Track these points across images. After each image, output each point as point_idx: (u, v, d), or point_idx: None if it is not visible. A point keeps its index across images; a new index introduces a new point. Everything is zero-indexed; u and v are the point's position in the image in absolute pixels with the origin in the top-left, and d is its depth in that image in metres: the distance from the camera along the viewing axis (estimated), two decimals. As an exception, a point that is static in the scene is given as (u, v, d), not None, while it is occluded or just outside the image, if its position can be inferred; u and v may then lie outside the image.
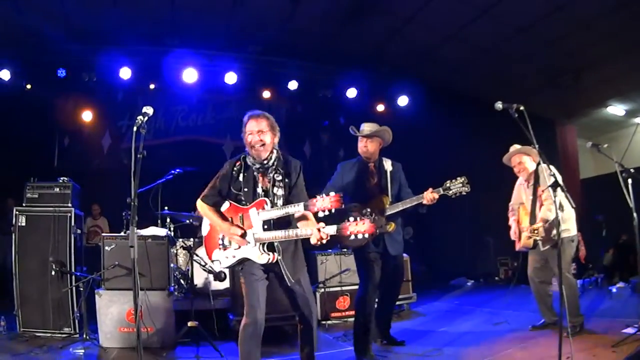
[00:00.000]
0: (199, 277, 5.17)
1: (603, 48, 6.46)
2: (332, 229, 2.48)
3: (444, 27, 6.53)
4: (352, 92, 8.03)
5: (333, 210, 2.48)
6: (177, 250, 5.42)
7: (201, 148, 8.15)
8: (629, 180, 3.63)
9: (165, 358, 3.74)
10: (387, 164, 3.85)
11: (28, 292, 4.15)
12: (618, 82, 7.54)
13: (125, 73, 6.97)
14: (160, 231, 4.76)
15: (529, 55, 6.91)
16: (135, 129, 2.56)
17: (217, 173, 2.86)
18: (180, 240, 5.49)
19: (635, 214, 3.53)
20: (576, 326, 3.84)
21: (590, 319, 4.22)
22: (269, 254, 2.65)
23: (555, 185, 2.90)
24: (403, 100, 8.31)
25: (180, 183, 5.03)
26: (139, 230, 4.21)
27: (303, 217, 2.69)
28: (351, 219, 2.46)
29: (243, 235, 2.67)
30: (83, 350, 3.75)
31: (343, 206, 2.50)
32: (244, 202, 2.75)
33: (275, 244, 2.69)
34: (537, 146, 2.93)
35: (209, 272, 4.84)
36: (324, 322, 4.83)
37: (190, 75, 7.17)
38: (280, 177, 2.78)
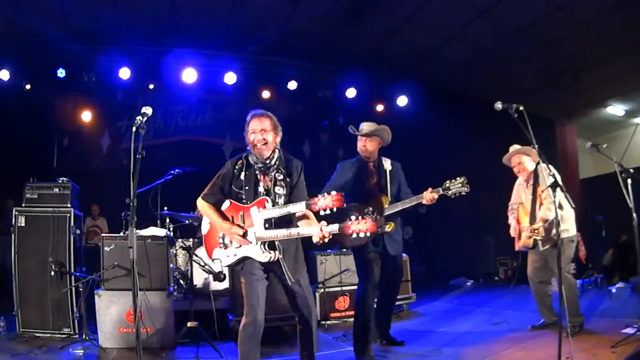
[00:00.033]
0: (199, 278, 5.17)
1: (603, 48, 6.46)
2: (334, 228, 2.49)
3: (444, 27, 6.53)
4: (351, 92, 8.03)
5: (334, 209, 2.49)
6: (176, 250, 5.42)
7: (201, 148, 8.15)
8: (629, 181, 3.63)
9: (165, 358, 3.74)
10: (387, 164, 3.85)
11: (27, 293, 4.14)
12: (618, 82, 7.54)
13: (124, 73, 6.97)
14: (160, 231, 4.76)
15: (529, 55, 6.91)
16: (134, 129, 2.56)
17: (218, 171, 2.87)
18: (180, 240, 5.49)
19: (634, 214, 3.53)
20: (576, 326, 3.84)
21: (589, 319, 4.22)
22: (270, 253, 2.66)
23: (554, 186, 2.90)
24: (402, 100, 8.31)
25: (180, 183, 5.03)
26: (138, 231, 4.20)
27: (304, 217, 2.70)
28: (353, 217, 2.48)
29: (244, 235, 2.67)
30: (82, 351, 3.75)
31: (345, 205, 2.51)
32: (244, 201, 2.75)
33: (276, 242, 2.69)
34: (536, 146, 2.93)
35: (209, 272, 4.84)
36: (323, 323, 4.82)
37: (189, 76, 7.17)
38: (281, 177, 2.78)
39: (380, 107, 8.52)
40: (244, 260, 2.71)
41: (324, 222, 2.53)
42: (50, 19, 6.00)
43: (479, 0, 5.77)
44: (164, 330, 3.96)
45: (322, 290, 4.95)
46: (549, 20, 5.92)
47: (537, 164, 4.08)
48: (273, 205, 2.68)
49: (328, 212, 2.51)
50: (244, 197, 2.76)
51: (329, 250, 5.20)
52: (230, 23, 6.60)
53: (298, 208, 2.60)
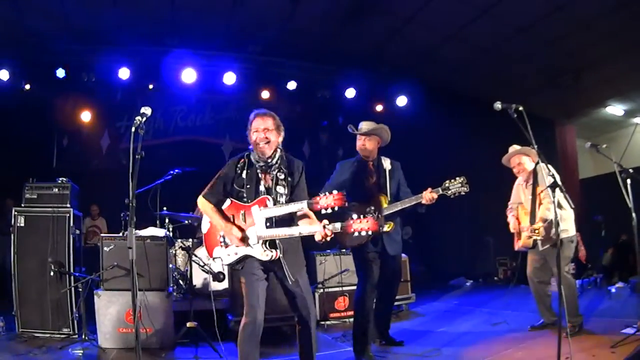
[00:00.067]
0: (198, 278, 5.17)
1: (603, 48, 6.45)
2: (336, 226, 2.50)
3: (444, 27, 6.53)
4: (351, 92, 8.03)
5: (336, 208, 2.51)
6: (175, 250, 5.41)
7: (200, 148, 8.16)
8: (628, 181, 3.63)
9: (164, 358, 3.74)
10: (386, 163, 3.85)
11: (27, 293, 4.14)
12: (618, 82, 7.54)
13: (124, 73, 6.97)
14: (159, 232, 4.76)
15: (529, 55, 6.91)
16: (133, 129, 2.56)
17: (220, 170, 2.87)
18: (179, 240, 5.49)
19: (634, 214, 3.53)
20: (575, 326, 3.84)
21: (589, 319, 4.22)
22: (271, 251, 2.66)
23: (554, 186, 2.89)
24: (402, 101, 8.31)
25: (179, 183, 5.02)
26: (137, 231, 4.21)
27: (305, 216, 2.71)
28: (354, 216, 2.50)
29: (242, 239, 2.67)
30: (82, 351, 3.74)
31: (347, 204, 2.53)
32: (245, 200, 2.75)
33: (277, 241, 2.70)
34: (536, 146, 2.93)
35: (208, 272, 4.84)
36: (322, 323, 4.82)
37: (189, 76, 7.17)
38: (283, 176, 2.80)
39: (379, 107, 8.51)
40: (245, 259, 2.71)
41: (325, 221, 2.54)
42: (50, 19, 6.00)
43: (479, 0, 5.77)
44: (164, 331, 3.96)
45: (321, 290, 4.95)
46: (549, 20, 5.92)
47: (536, 163, 4.08)
48: (274, 204, 2.69)
49: (329, 211, 2.52)
50: (245, 195, 2.76)
51: (329, 251, 5.20)
52: (230, 23, 6.60)
53: (300, 207, 2.61)
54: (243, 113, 8.31)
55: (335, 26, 6.62)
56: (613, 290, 5.90)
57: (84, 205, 5.20)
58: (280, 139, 2.83)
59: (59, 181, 4.43)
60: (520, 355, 3.49)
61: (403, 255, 4.57)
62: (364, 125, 3.82)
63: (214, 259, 2.84)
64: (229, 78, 7.39)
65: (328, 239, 2.53)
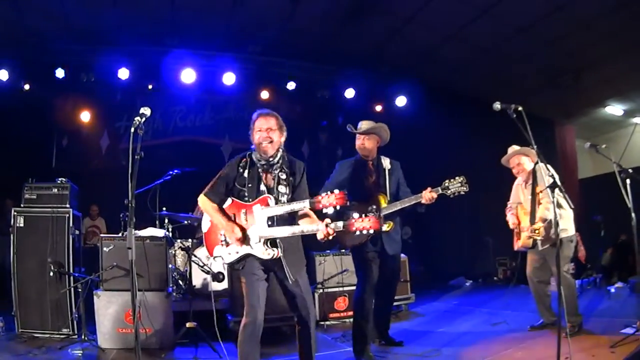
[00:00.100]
0: (197, 278, 5.17)
1: (603, 48, 6.46)
2: (339, 225, 2.51)
3: (444, 27, 6.53)
4: (351, 92, 8.03)
5: (338, 207, 2.52)
6: (175, 251, 5.41)
7: (199, 148, 8.14)
8: (627, 181, 3.64)
9: (164, 359, 3.74)
10: (386, 162, 3.85)
11: (26, 293, 4.13)
12: (618, 82, 7.54)
13: (123, 73, 6.97)
14: (159, 232, 4.75)
15: (529, 55, 6.91)
16: (132, 130, 2.55)
17: (222, 169, 2.87)
18: (179, 241, 5.48)
19: (633, 214, 3.53)
20: (575, 326, 3.84)
21: (588, 319, 4.22)
22: (273, 250, 2.66)
23: (553, 186, 2.90)
24: (402, 101, 8.31)
25: (179, 184, 5.02)
26: (137, 231, 4.21)
27: (306, 216, 2.73)
28: (356, 215, 2.51)
29: (242, 239, 2.66)
30: (82, 351, 3.74)
31: (348, 203, 2.55)
32: (246, 199, 2.75)
33: (278, 241, 2.70)
34: (535, 146, 2.93)
35: (207, 272, 4.84)
36: (322, 323, 4.82)
37: (188, 76, 7.17)
38: (284, 176, 2.81)
39: (379, 107, 8.51)
40: (246, 258, 2.71)
41: (328, 220, 2.55)
42: (50, 19, 6.00)
43: (479, 0, 5.77)
44: (163, 331, 3.96)
45: (321, 290, 4.95)
46: (549, 20, 5.92)
47: (536, 164, 4.08)
48: (276, 203, 2.69)
49: (331, 210, 2.54)
50: (246, 194, 2.76)
51: (328, 251, 5.20)
52: (230, 23, 6.59)
53: (302, 206, 2.62)
54: (242, 113, 8.32)
55: (335, 26, 6.62)
56: (612, 290, 5.90)
57: (84, 206, 5.20)
58: (283, 139, 2.84)
59: (59, 181, 4.43)
60: (520, 355, 3.49)
61: (402, 255, 4.57)
62: (363, 125, 3.82)
63: (214, 258, 2.83)
64: (229, 78, 7.38)
65: (330, 237, 2.54)
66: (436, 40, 6.89)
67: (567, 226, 3.98)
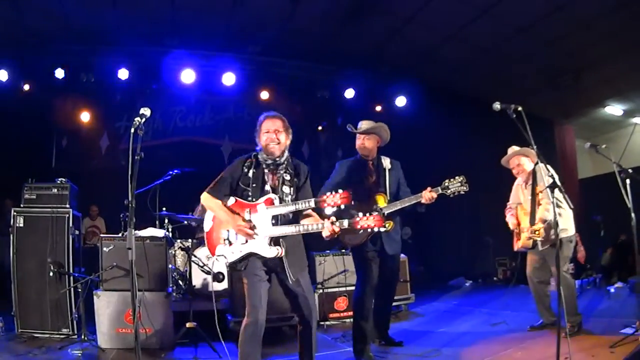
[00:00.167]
0: (197, 278, 5.17)
1: (603, 48, 6.46)
2: (344, 223, 2.54)
3: (444, 27, 6.53)
4: (350, 93, 8.02)
5: (342, 207, 2.56)
6: (175, 251, 5.41)
7: (199, 149, 8.14)
8: (627, 181, 3.64)
9: (164, 359, 3.74)
10: (386, 162, 3.85)
11: (26, 293, 4.13)
12: (617, 82, 7.55)
13: (123, 74, 6.96)
14: (159, 232, 4.75)
15: (529, 55, 6.91)
16: (132, 130, 2.55)
17: (226, 169, 2.88)
18: (179, 241, 5.49)
19: (633, 214, 3.53)
20: (574, 326, 3.85)
21: (588, 319, 4.22)
22: (277, 248, 2.67)
23: (553, 186, 2.90)
24: (401, 101, 8.31)
25: (178, 184, 5.02)
26: (137, 232, 4.21)
27: (308, 217, 2.76)
28: (360, 213, 2.54)
29: (252, 228, 2.67)
30: (81, 351, 3.74)
31: (353, 203, 2.59)
32: (250, 198, 2.76)
33: (281, 240, 2.71)
34: (535, 147, 2.93)
35: (207, 273, 4.84)
36: (322, 323, 4.82)
37: (188, 76, 7.16)
38: (289, 177, 2.83)
39: (379, 107, 8.51)
40: (248, 257, 2.71)
41: (333, 218, 2.58)
42: (50, 19, 6.00)
43: (479, 0, 5.77)
44: (163, 331, 3.96)
45: (321, 290, 4.95)
46: (549, 20, 5.92)
47: (536, 164, 4.09)
48: (280, 203, 2.71)
49: (334, 209, 2.58)
50: (250, 194, 2.77)
51: (328, 251, 5.20)
52: (230, 23, 6.59)
53: (307, 205, 2.65)
54: (242, 113, 8.31)
55: (335, 26, 6.62)
56: (612, 290, 5.91)
57: (83, 206, 5.19)
58: (289, 141, 2.87)
59: (58, 181, 4.43)
60: (520, 355, 3.49)
61: (402, 255, 4.57)
62: (363, 124, 3.83)
63: (216, 257, 2.82)
64: (229, 78, 7.38)
65: (336, 235, 2.58)
66: (436, 40, 6.88)
67: (567, 226, 3.98)
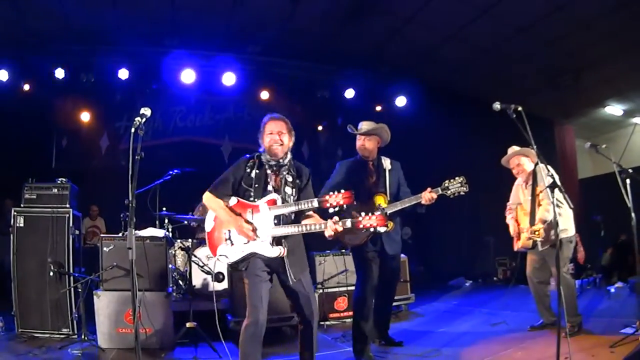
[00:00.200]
0: (197, 278, 5.17)
1: (603, 48, 6.46)
2: (347, 223, 2.55)
3: (444, 27, 6.52)
4: (350, 93, 8.02)
5: (344, 207, 2.57)
6: (175, 251, 5.41)
7: (199, 149, 8.14)
8: (627, 181, 3.64)
9: (164, 359, 3.74)
10: (386, 163, 3.86)
11: (26, 293, 4.13)
12: (617, 82, 7.55)
13: (123, 74, 6.96)
14: (159, 232, 4.75)
15: (529, 55, 6.91)
16: (132, 130, 2.56)
17: (228, 169, 2.89)
18: (179, 241, 5.49)
19: (633, 214, 3.53)
20: (574, 326, 3.85)
21: (588, 319, 4.22)
22: (280, 248, 2.68)
23: (553, 186, 2.90)
24: (401, 101, 8.31)
25: (179, 184, 5.03)
26: (137, 231, 4.20)
27: (310, 217, 2.78)
28: (362, 213, 2.56)
29: (254, 230, 2.68)
30: (81, 351, 3.74)
31: (355, 203, 2.60)
32: (252, 199, 2.77)
33: (283, 240, 2.72)
34: (535, 147, 2.93)
35: (207, 273, 4.84)
36: (322, 323, 4.82)
37: (188, 76, 7.16)
38: (291, 178, 2.85)
39: (379, 107, 8.50)
40: (250, 257, 2.71)
41: (336, 217, 2.59)
42: (50, 19, 6.00)
43: (479, 0, 5.77)
44: (163, 331, 3.96)
45: (321, 290, 4.95)
46: (549, 20, 5.92)
47: (536, 164, 4.08)
48: (283, 203, 2.72)
49: (337, 209, 2.59)
50: (252, 194, 2.77)
51: (328, 251, 5.20)
52: (230, 23, 6.59)
53: (310, 204, 2.66)
54: (242, 113, 8.31)
55: (335, 26, 6.61)
56: (612, 290, 5.91)
57: (83, 206, 5.20)
58: (291, 143, 2.89)
59: (58, 181, 4.43)
60: (520, 355, 3.49)
61: (402, 255, 4.57)
62: (364, 125, 3.83)
63: (218, 257, 2.82)
64: (229, 78, 7.38)
65: (338, 233, 2.59)
66: (436, 40, 6.88)
67: (567, 226, 3.98)
